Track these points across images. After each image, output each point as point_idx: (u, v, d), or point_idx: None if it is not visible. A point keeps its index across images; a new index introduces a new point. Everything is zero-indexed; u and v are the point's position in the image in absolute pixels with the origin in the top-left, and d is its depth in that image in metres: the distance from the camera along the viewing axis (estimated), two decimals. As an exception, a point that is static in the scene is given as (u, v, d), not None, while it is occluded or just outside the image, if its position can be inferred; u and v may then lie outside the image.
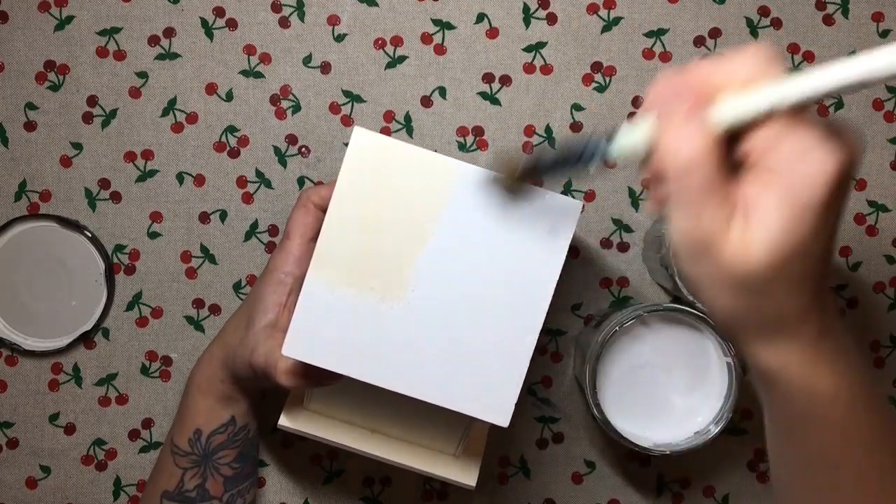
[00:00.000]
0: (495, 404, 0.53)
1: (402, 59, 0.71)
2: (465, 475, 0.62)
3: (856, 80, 0.36)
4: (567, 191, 0.71)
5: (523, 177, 0.46)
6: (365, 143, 0.52)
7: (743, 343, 0.43)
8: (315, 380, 0.56)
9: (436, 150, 0.71)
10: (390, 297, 0.52)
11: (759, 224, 0.38)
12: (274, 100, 0.71)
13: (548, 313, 0.53)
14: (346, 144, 0.71)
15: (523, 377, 0.53)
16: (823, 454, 0.45)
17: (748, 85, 0.39)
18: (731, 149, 0.40)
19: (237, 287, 0.71)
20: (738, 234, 0.39)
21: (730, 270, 0.39)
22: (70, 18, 0.70)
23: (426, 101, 0.71)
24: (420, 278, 0.52)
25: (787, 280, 0.39)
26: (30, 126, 0.70)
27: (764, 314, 0.41)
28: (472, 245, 0.52)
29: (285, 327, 0.58)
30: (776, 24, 0.71)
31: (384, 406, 0.61)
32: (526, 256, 0.52)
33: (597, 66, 0.71)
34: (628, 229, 0.72)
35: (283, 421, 0.62)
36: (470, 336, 0.53)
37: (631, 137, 0.42)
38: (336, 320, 0.52)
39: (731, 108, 0.39)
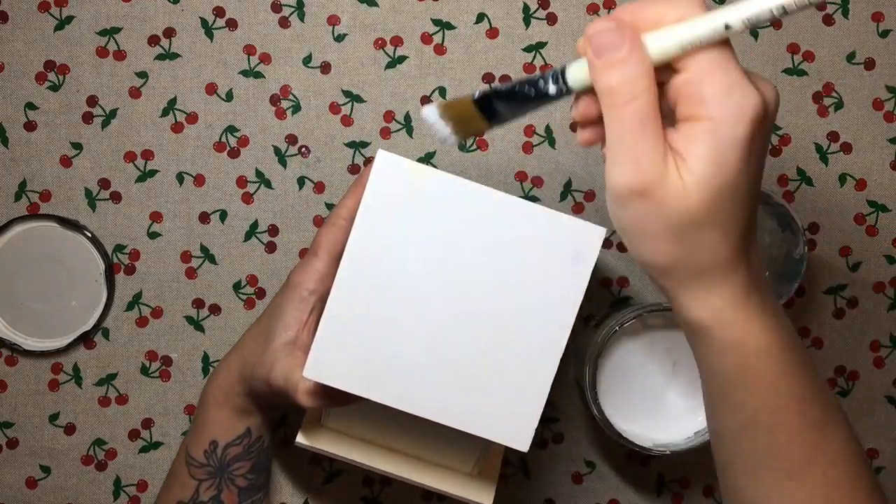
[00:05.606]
0: (516, 429, 0.53)
1: (402, 59, 0.71)
2: (482, 495, 0.62)
3: (776, 4, 0.39)
4: (567, 190, 0.72)
5: (480, 107, 0.45)
6: (388, 167, 0.52)
7: (676, 295, 0.44)
8: (335, 400, 0.55)
9: (435, 151, 0.71)
10: (412, 320, 0.52)
11: (692, 164, 0.40)
12: (274, 100, 0.71)
13: None
14: (347, 145, 0.71)
15: (544, 403, 0.53)
16: (758, 416, 0.46)
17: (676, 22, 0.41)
18: (661, 96, 0.42)
19: (237, 287, 0.71)
20: (675, 176, 0.40)
21: (667, 214, 0.41)
22: (70, 18, 0.70)
23: (426, 101, 0.71)
24: (442, 302, 0.52)
25: (720, 222, 0.41)
26: (30, 126, 0.70)
27: (697, 260, 0.42)
28: (495, 270, 0.52)
29: (305, 345, 0.58)
30: (776, 24, 0.71)
31: (402, 424, 0.61)
32: (548, 282, 0.52)
33: (597, 66, 0.71)
34: (628, 229, 0.72)
35: (301, 439, 0.62)
36: (491, 361, 0.53)
37: (584, 68, 0.43)
38: (357, 343, 0.52)
39: (661, 41, 0.41)
